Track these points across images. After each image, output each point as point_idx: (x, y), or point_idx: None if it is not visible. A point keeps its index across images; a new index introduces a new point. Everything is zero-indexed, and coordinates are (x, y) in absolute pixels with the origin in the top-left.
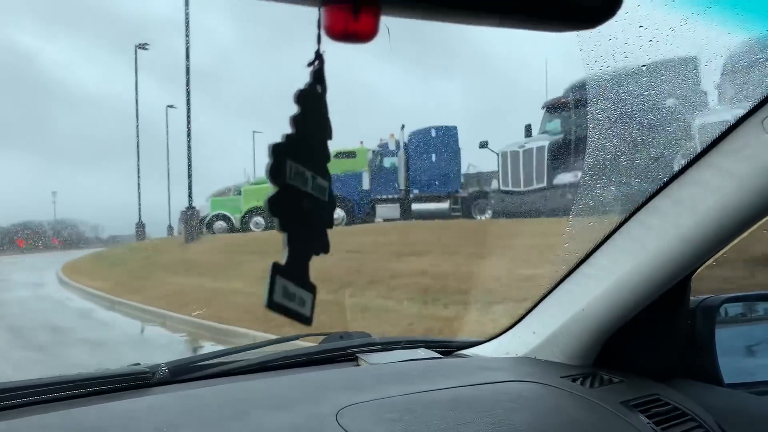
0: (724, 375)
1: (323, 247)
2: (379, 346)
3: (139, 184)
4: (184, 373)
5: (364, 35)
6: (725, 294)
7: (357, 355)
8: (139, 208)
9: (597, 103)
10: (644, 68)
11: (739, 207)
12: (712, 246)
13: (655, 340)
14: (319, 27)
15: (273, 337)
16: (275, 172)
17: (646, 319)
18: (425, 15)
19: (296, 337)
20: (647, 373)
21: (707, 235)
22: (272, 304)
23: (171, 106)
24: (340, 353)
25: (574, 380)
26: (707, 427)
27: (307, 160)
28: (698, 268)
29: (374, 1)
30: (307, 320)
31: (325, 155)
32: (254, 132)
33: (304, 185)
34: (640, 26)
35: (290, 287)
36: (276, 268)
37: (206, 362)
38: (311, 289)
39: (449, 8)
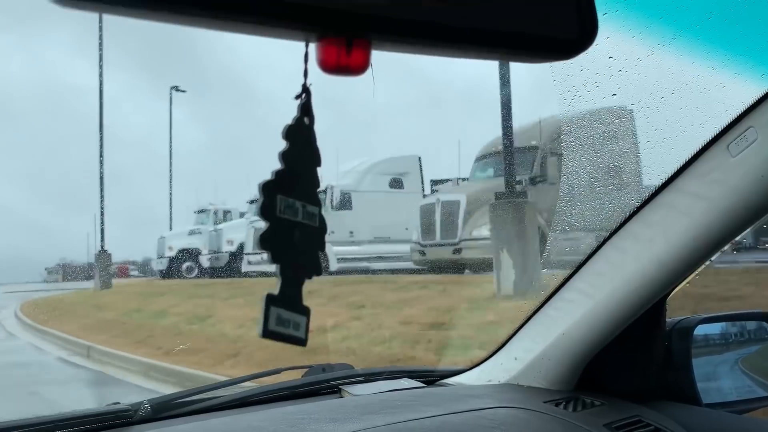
0: (702, 395)
1: (315, 270)
2: (361, 378)
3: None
4: (166, 410)
5: (357, 69)
6: (700, 315)
7: (340, 387)
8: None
9: (572, 131)
10: (615, 96)
11: (709, 229)
12: (685, 268)
13: (633, 362)
14: (306, 61)
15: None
16: (266, 210)
17: (624, 342)
18: (412, 49)
19: (278, 371)
20: (627, 395)
21: (680, 258)
22: (267, 333)
23: None
24: (323, 386)
25: (557, 405)
26: None
27: (296, 192)
28: (673, 289)
29: (366, 36)
30: (302, 342)
31: (315, 183)
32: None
33: (294, 216)
34: (610, 57)
35: (284, 314)
36: (269, 299)
37: (188, 398)
38: (305, 311)
39: (434, 42)
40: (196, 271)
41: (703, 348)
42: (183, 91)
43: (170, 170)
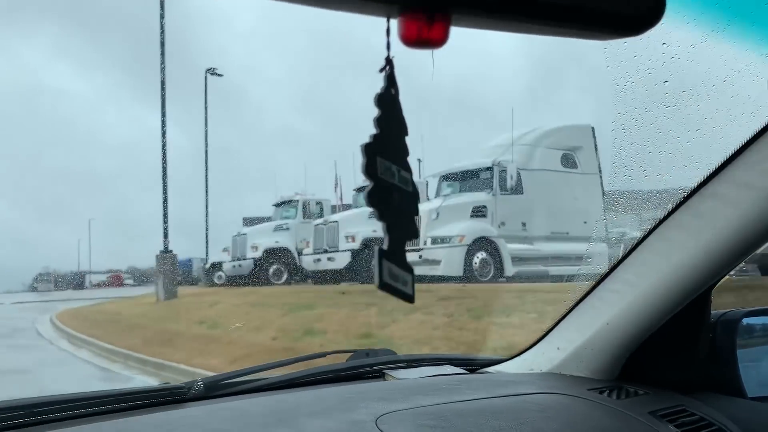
0: (746, 388)
1: (414, 234)
2: (404, 363)
3: None
4: (218, 388)
5: (437, 42)
6: (746, 307)
7: (384, 371)
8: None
9: (624, 117)
10: (667, 83)
11: (758, 220)
12: (732, 259)
13: (677, 353)
14: (388, 35)
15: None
16: (370, 169)
17: (668, 333)
18: (490, 24)
19: (323, 355)
20: (671, 386)
21: (727, 248)
22: (383, 285)
23: None
24: (366, 370)
25: (600, 392)
26: None
27: (391, 156)
28: (719, 281)
29: (446, 10)
30: (410, 298)
31: (405, 150)
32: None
33: (392, 178)
34: (663, 43)
35: (394, 269)
36: (381, 252)
37: (239, 378)
38: (410, 270)
39: (511, 18)
40: (285, 276)
41: (748, 340)
42: (220, 75)
43: (206, 168)
